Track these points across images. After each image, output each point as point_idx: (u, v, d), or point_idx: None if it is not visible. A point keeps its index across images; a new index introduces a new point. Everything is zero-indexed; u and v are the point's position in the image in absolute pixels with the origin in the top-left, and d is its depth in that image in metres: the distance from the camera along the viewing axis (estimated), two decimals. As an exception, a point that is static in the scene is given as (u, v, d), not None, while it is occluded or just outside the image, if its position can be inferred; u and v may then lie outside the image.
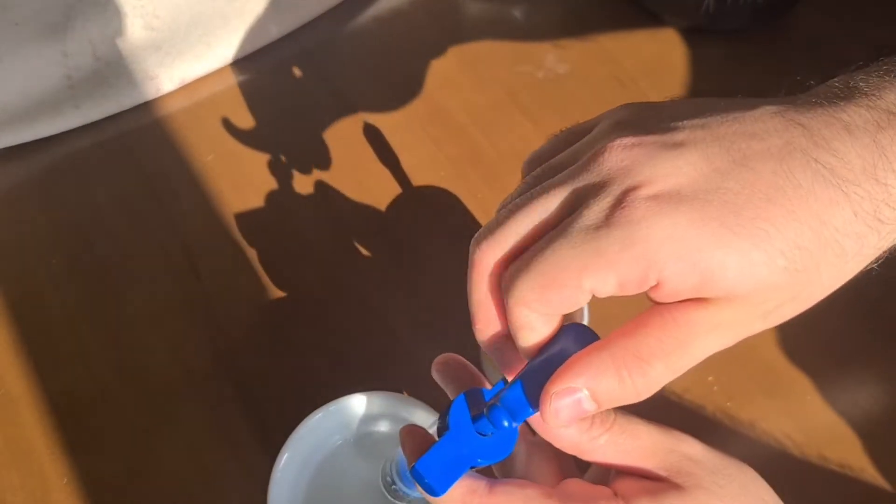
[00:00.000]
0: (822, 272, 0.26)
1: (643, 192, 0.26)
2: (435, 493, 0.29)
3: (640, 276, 0.26)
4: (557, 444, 0.30)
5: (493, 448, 0.30)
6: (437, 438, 0.31)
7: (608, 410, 0.30)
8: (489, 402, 0.30)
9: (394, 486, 0.37)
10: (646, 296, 0.27)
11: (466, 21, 0.74)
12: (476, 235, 0.30)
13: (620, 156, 0.27)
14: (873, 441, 0.51)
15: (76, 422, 0.55)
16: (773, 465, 0.50)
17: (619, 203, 0.26)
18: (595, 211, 0.27)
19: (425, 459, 0.30)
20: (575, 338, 0.29)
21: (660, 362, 0.26)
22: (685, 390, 0.53)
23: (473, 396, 0.31)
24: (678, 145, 0.27)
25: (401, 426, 0.44)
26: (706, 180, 0.26)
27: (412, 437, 0.32)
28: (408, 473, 0.32)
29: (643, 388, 0.27)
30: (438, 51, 0.72)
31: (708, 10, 0.68)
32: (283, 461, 0.44)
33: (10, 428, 0.54)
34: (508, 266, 0.29)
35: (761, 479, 0.30)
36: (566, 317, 0.30)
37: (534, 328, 0.29)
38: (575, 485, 0.30)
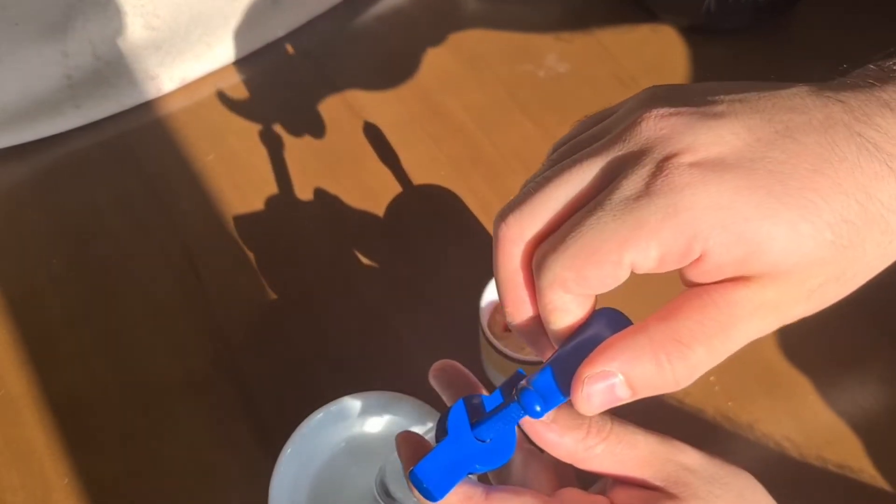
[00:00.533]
0: (868, 250, 0.25)
1: (685, 159, 0.25)
2: (433, 499, 0.29)
3: (684, 246, 0.24)
4: (553, 453, 0.29)
5: (491, 454, 0.30)
6: (433, 444, 0.31)
7: (605, 419, 0.29)
8: (520, 386, 0.29)
9: (388, 492, 0.37)
10: (683, 279, 0.26)
11: (467, 20, 0.74)
12: (501, 210, 0.28)
13: (659, 124, 0.26)
14: (873, 442, 0.51)
15: (76, 422, 0.55)
16: (773, 466, 0.50)
17: (659, 170, 0.25)
18: (633, 180, 0.25)
19: (424, 464, 0.30)
20: (608, 322, 0.28)
21: (701, 346, 0.25)
22: (686, 393, 0.53)
23: (472, 403, 0.31)
24: (718, 115, 0.26)
25: (402, 426, 0.44)
26: (750, 149, 0.25)
27: (408, 442, 0.32)
28: (404, 479, 0.32)
29: (682, 375, 0.25)
30: (439, 50, 0.72)
31: (709, 9, 0.68)
32: (284, 461, 0.44)
33: (10, 428, 0.55)
34: (539, 244, 0.27)
35: (760, 487, 0.30)
36: None
37: (567, 310, 0.27)
38: (572, 493, 0.30)
